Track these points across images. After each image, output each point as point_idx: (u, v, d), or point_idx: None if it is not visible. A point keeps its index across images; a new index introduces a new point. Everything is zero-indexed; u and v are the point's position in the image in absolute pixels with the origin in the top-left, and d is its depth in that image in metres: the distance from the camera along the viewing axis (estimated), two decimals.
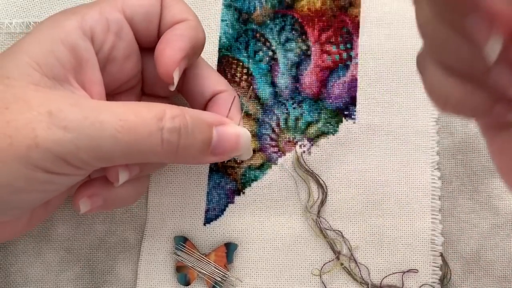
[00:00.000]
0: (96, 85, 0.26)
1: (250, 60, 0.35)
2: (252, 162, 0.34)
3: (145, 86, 0.30)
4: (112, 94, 0.29)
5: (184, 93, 0.31)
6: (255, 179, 0.33)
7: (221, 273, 0.32)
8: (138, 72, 0.29)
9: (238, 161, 0.34)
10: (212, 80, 0.29)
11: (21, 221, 0.27)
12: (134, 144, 0.23)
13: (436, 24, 0.13)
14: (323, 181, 0.33)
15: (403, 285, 0.32)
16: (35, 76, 0.24)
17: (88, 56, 0.25)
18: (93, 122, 0.22)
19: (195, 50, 0.27)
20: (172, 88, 0.27)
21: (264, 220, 0.33)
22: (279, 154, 0.34)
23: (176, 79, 0.26)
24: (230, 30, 0.35)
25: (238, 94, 0.34)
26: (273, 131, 0.34)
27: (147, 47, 0.28)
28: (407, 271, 0.32)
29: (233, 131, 0.27)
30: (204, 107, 0.30)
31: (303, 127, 0.34)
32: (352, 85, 0.35)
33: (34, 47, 0.24)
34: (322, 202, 0.33)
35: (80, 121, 0.22)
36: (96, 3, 0.27)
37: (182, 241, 0.32)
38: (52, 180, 0.23)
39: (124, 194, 0.28)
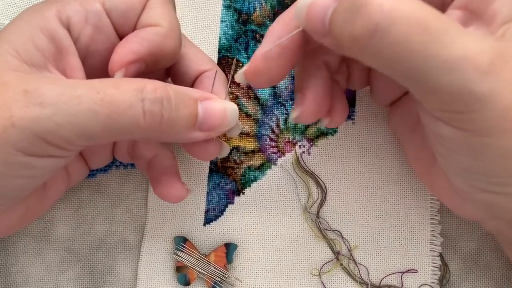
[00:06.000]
0: (77, 71, 0.26)
1: None
2: (251, 162, 0.34)
3: None
4: None
5: (171, 74, 0.30)
6: (255, 179, 0.34)
7: (221, 273, 0.32)
8: None
9: (236, 160, 0.34)
10: (197, 60, 0.29)
11: (16, 214, 0.26)
12: (115, 118, 0.22)
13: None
14: (323, 182, 0.33)
15: (402, 285, 0.32)
16: (13, 62, 0.23)
17: (67, 43, 0.25)
18: (70, 97, 0.22)
19: (156, 57, 0.26)
20: None
21: (264, 220, 0.33)
22: (278, 154, 0.34)
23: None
24: (230, 31, 0.35)
25: (238, 94, 0.34)
26: (273, 131, 0.34)
27: None
28: (406, 271, 0.32)
29: (219, 105, 0.26)
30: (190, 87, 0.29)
31: (302, 127, 0.34)
32: None
33: (14, 35, 0.24)
34: (322, 203, 0.33)
35: (57, 97, 0.22)
36: None
37: (182, 242, 0.32)
38: (32, 164, 0.23)
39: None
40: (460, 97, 0.20)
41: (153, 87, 0.23)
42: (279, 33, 0.25)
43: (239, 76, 0.27)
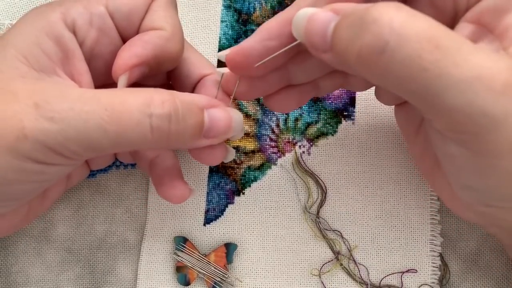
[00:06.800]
0: (84, 75, 0.26)
1: None
2: (251, 162, 0.34)
3: None
4: (102, 86, 0.28)
5: (172, 78, 0.30)
6: (255, 179, 0.34)
7: (221, 273, 0.32)
8: None
9: (236, 160, 0.34)
10: (199, 64, 0.29)
11: (19, 214, 0.27)
12: (122, 134, 0.22)
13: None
14: (323, 182, 0.33)
15: (402, 285, 0.32)
16: (22, 68, 0.24)
17: (73, 47, 0.25)
18: (79, 113, 0.22)
19: (159, 60, 0.26)
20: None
21: (264, 220, 0.33)
22: (278, 154, 0.34)
23: (121, 83, 0.25)
24: (230, 31, 0.35)
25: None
26: (273, 131, 0.34)
27: None
28: (406, 271, 0.32)
29: (225, 113, 0.26)
30: (192, 91, 0.29)
31: (302, 127, 0.34)
32: None
33: (20, 40, 0.24)
34: (322, 203, 0.33)
35: (66, 112, 0.22)
36: None
37: (182, 242, 0.32)
38: (43, 171, 0.23)
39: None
40: (473, 119, 0.19)
41: (160, 101, 0.23)
42: (271, 32, 0.25)
43: (221, 56, 0.26)
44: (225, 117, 0.26)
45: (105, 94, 0.23)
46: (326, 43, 0.22)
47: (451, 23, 0.25)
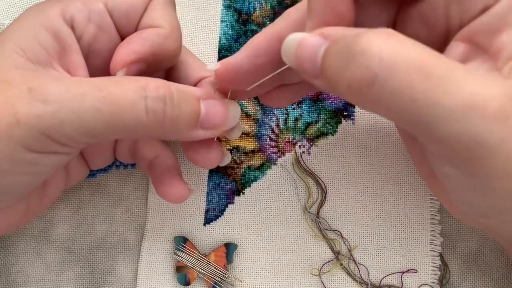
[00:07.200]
0: (80, 69, 0.26)
1: None
2: (251, 162, 0.34)
3: None
4: None
5: (170, 80, 0.30)
6: (255, 179, 0.34)
7: (221, 273, 0.32)
8: None
9: (236, 160, 0.34)
10: (197, 67, 0.29)
11: (16, 211, 0.27)
12: (118, 115, 0.22)
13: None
14: (323, 181, 0.33)
15: (402, 285, 0.32)
16: (18, 60, 0.24)
17: (71, 41, 0.26)
18: (74, 95, 0.22)
19: (157, 57, 0.26)
20: None
21: (264, 220, 0.33)
22: (278, 154, 0.34)
23: None
24: (230, 31, 0.35)
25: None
26: (273, 131, 0.34)
27: None
28: (406, 271, 0.32)
29: (221, 103, 0.26)
30: None
31: (302, 127, 0.34)
32: None
33: (18, 33, 0.24)
34: (322, 202, 0.33)
35: (61, 94, 0.22)
36: None
37: (182, 242, 0.32)
38: (37, 160, 0.23)
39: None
40: (466, 147, 0.19)
41: (156, 85, 0.24)
42: (259, 47, 0.25)
43: (210, 69, 0.27)
44: (222, 108, 0.26)
45: (101, 78, 0.23)
46: (316, 69, 0.21)
47: (443, 41, 0.24)
